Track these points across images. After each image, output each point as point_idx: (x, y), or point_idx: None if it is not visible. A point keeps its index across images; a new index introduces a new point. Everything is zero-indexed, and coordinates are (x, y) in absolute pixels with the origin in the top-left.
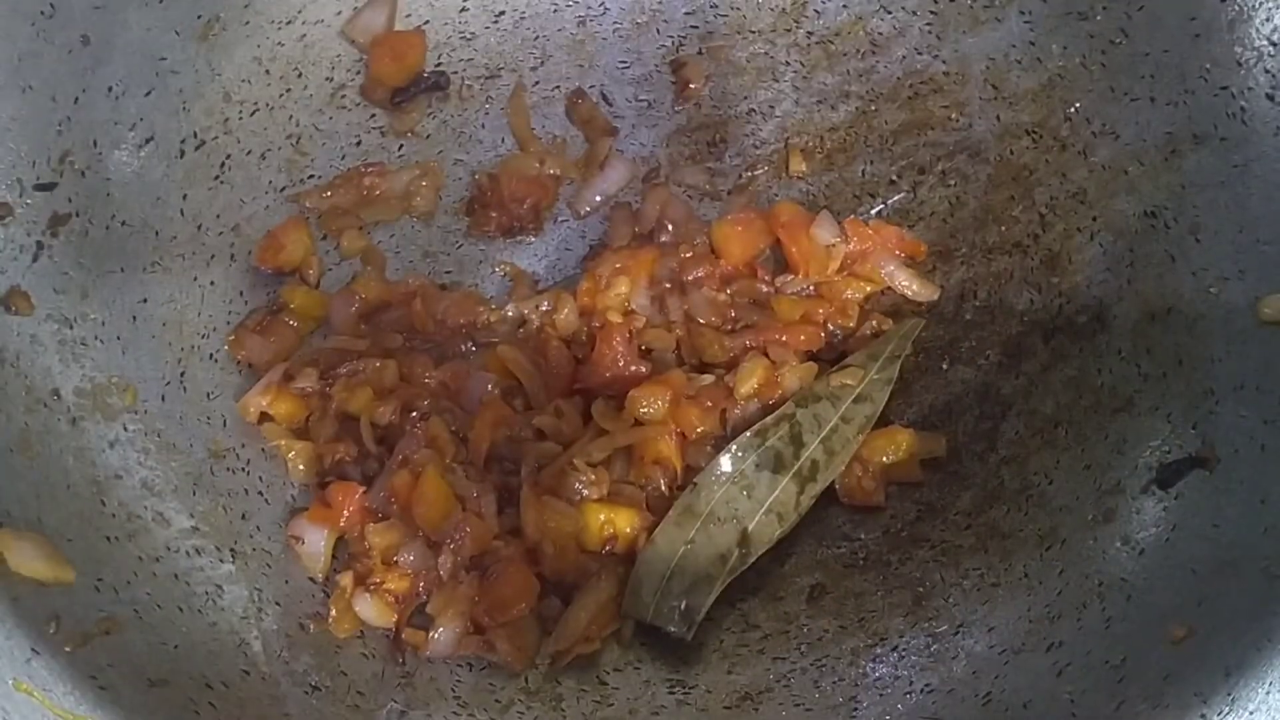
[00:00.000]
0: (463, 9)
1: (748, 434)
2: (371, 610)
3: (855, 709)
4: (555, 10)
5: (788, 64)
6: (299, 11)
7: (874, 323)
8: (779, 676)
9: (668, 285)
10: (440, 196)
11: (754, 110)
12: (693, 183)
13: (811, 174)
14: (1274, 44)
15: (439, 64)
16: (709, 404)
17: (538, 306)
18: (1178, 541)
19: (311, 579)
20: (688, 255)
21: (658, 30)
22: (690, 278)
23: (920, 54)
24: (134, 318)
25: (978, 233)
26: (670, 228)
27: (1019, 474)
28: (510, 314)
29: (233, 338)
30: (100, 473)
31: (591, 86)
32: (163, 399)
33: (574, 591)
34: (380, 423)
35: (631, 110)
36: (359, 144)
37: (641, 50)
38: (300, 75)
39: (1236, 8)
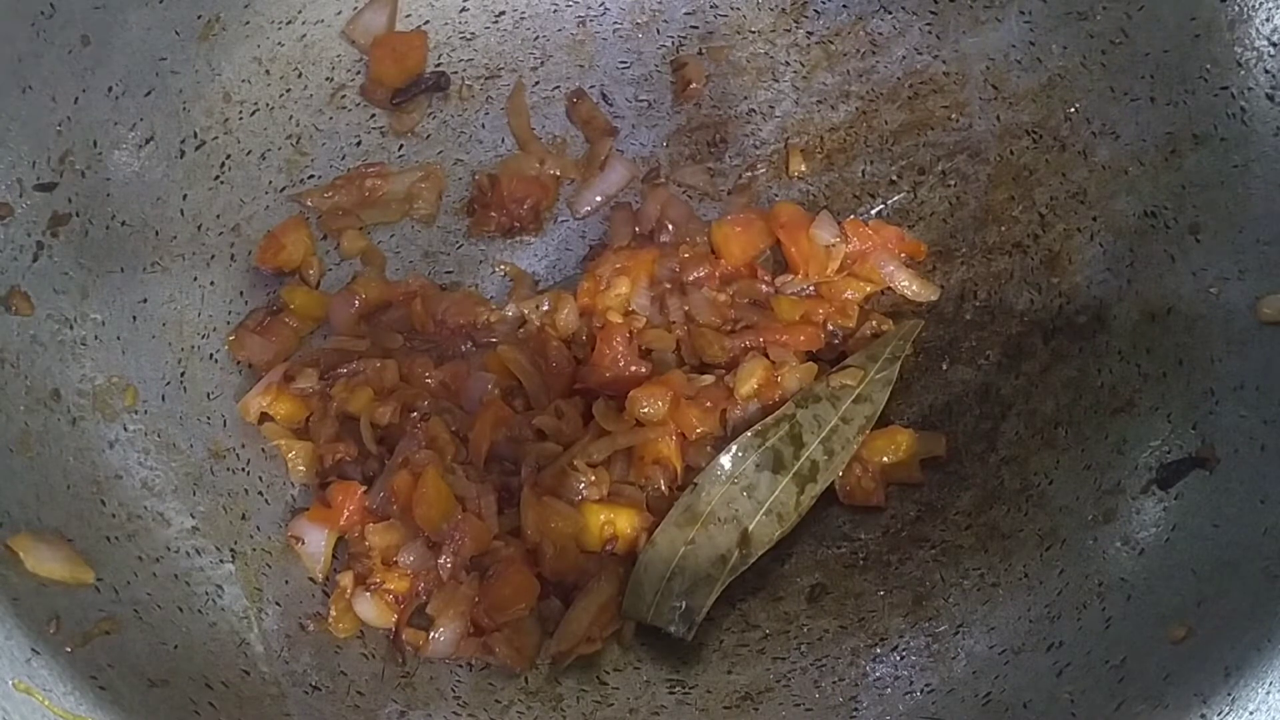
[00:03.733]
0: (463, 9)
1: (748, 434)
2: (371, 610)
3: (855, 709)
4: (555, 10)
5: (788, 64)
6: (299, 11)
7: (874, 323)
8: (779, 676)
9: (668, 285)
10: (442, 200)
11: (754, 110)
12: (693, 183)
13: (811, 174)
14: (1274, 44)
15: (439, 64)
16: (709, 404)
17: (538, 306)
18: (1178, 541)
19: (311, 579)
20: (688, 255)
21: (658, 30)
22: (690, 278)
23: (920, 54)
24: (134, 318)
25: (978, 233)
26: (670, 228)
27: (1019, 474)
28: (510, 314)
29: (233, 338)
30: (100, 473)
31: (591, 86)
32: (163, 399)
33: (574, 592)
34: (380, 423)
35: (631, 110)
36: (359, 144)
37: (641, 50)
38: (300, 75)
39: (1236, 8)
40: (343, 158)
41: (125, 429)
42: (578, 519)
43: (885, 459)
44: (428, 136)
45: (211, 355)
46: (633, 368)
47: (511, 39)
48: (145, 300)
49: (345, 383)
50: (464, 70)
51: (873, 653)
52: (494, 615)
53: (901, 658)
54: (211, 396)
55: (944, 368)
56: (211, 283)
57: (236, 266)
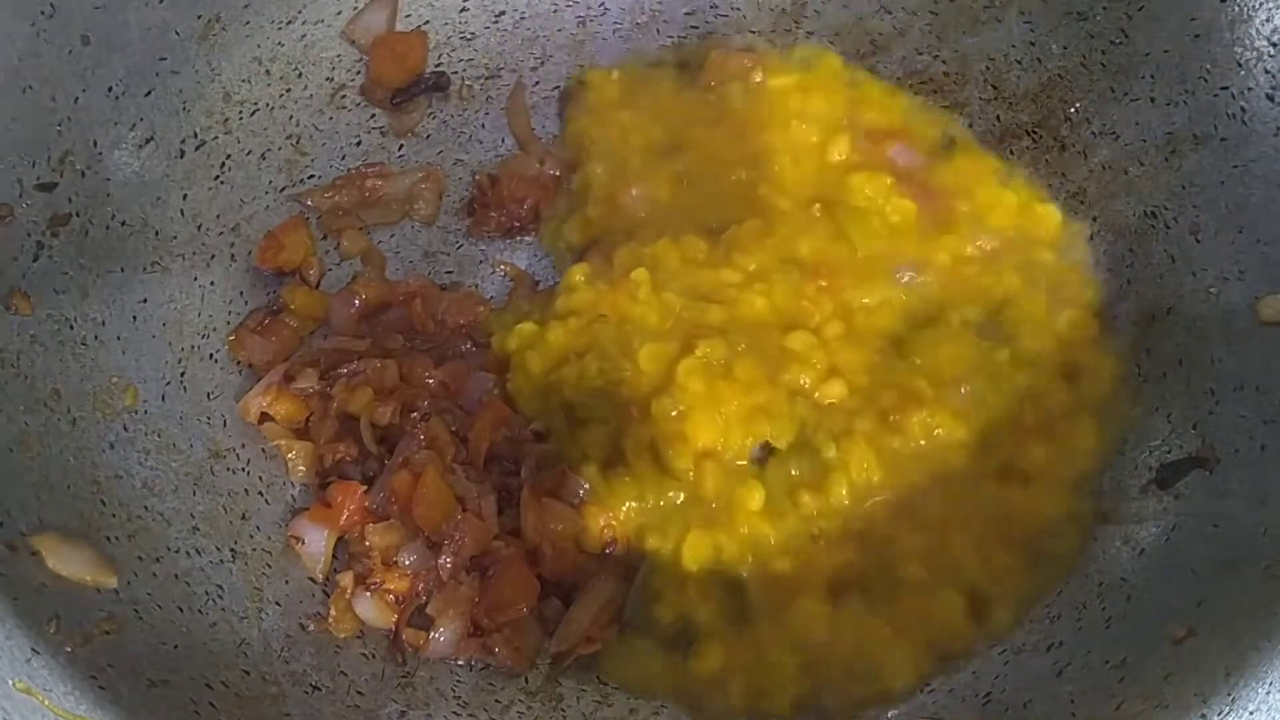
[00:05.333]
0: (463, 9)
1: None
2: (371, 610)
3: None
4: (555, 10)
5: None
6: (299, 11)
7: None
8: None
9: None
10: (442, 200)
11: None
12: None
13: None
14: (1274, 44)
15: (439, 64)
16: None
17: None
18: (1178, 541)
19: (311, 579)
20: None
21: (658, 30)
22: None
23: (920, 54)
24: (134, 318)
25: None
26: None
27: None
28: None
29: (233, 338)
30: (100, 473)
31: None
32: (163, 399)
33: (574, 592)
34: (380, 423)
35: None
36: (359, 144)
37: (642, 50)
38: (300, 75)
39: (1236, 8)
40: (343, 158)
41: (125, 429)
42: (577, 520)
43: None
44: (428, 136)
45: (211, 355)
46: None
47: (511, 39)
48: (145, 300)
49: (345, 383)
50: (464, 70)
51: None
52: (494, 615)
53: None
54: (211, 396)
55: None
56: (211, 283)
57: (236, 266)
